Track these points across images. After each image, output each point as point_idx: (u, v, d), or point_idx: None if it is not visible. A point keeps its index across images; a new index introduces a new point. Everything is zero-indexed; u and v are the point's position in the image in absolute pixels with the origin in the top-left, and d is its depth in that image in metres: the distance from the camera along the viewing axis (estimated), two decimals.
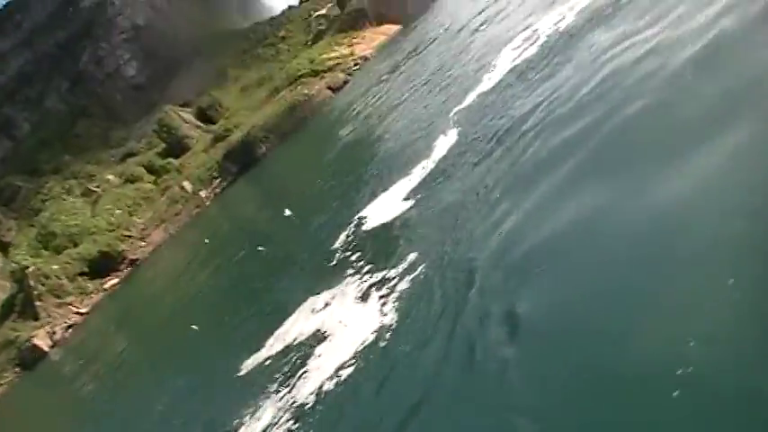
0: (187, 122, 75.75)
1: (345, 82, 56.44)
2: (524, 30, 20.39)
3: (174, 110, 77.99)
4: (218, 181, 60.49)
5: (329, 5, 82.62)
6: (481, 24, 29.34)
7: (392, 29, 69.85)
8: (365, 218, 16.50)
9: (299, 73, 65.44)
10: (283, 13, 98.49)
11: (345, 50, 66.55)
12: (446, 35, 37.21)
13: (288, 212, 22.81)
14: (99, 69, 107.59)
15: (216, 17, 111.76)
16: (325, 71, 63.33)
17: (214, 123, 74.12)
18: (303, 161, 38.88)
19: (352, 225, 16.72)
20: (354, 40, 69.22)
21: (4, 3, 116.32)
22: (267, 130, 55.42)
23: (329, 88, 55.24)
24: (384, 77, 40.46)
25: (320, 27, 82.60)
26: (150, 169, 73.82)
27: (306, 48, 77.98)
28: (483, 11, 31.91)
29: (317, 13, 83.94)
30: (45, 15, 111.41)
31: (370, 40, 68.68)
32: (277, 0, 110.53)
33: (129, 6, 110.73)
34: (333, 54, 66.08)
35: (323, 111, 52.10)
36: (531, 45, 18.05)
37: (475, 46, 26.11)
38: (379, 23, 71.71)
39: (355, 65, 62.22)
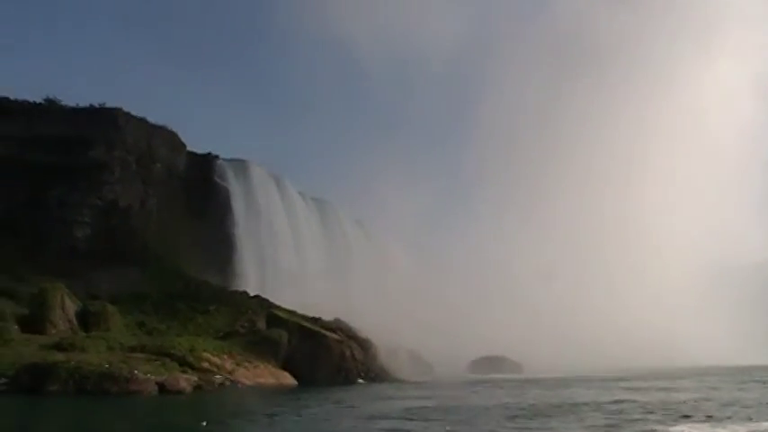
0: None
1: (179, 391, 46.85)
2: None
3: None
4: None
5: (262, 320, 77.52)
6: None
7: (288, 380, 63.25)
8: None
9: (171, 351, 57.20)
10: (232, 293, 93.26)
11: (228, 365, 59.04)
12: None
13: None
14: None
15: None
16: (191, 366, 55.08)
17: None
18: None
19: None
20: (246, 363, 62.13)
21: None
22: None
23: (158, 383, 45.76)
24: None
25: (241, 328, 76.63)
26: None
27: (203, 336, 70.87)
28: None
29: (248, 317, 78.67)
30: None
31: (259, 374, 61.52)
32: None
33: None
34: (213, 358, 58.51)
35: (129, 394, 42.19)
36: None
37: None
38: (284, 368, 65.40)
39: (219, 384, 53.86)
